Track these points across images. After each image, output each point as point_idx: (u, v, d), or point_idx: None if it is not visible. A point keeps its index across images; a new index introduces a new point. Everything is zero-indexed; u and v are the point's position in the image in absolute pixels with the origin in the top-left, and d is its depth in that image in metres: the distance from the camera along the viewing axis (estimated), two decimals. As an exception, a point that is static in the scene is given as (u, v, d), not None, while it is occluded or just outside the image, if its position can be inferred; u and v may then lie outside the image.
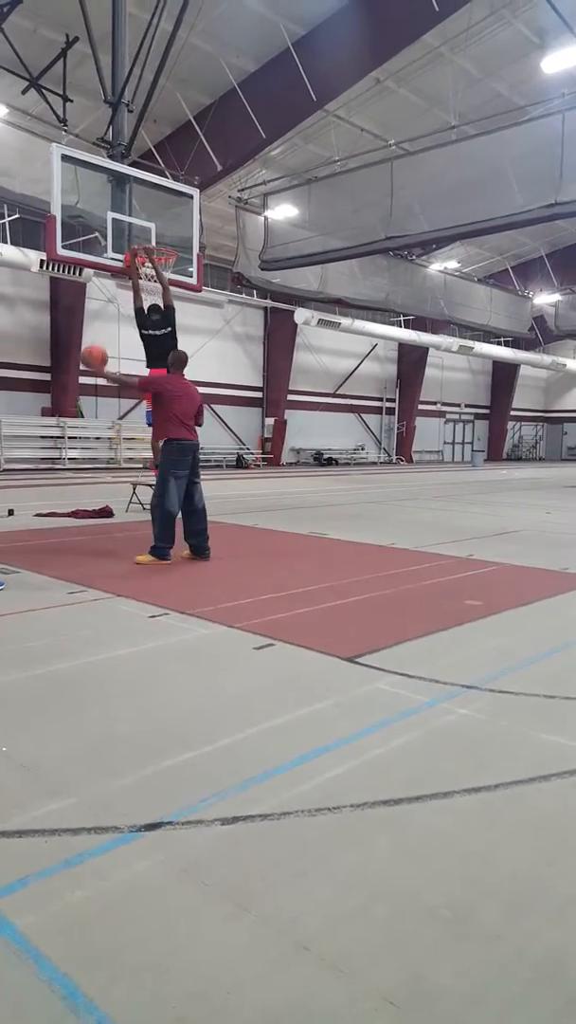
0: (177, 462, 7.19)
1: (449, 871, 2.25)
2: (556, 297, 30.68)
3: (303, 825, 2.48)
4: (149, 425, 7.83)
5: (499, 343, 35.30)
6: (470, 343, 32.57)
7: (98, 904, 2.06)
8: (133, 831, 2.42)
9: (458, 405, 39.16)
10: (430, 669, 4.04)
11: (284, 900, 2.09)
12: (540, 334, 33.07)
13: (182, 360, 7.55)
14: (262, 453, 29.01)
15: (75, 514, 10.76)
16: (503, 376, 39.98)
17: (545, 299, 31.21)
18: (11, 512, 10.64)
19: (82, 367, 7.54)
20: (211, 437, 26.70)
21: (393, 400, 34.95)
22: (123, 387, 7.13)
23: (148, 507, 11.20)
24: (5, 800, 2.62)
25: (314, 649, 4.39)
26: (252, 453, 28.49)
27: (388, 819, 2.54)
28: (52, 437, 22.21)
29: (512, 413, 41.16)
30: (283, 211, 19.51)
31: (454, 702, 3.59)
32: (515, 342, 35.51)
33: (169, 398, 7.23)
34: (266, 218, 19.69)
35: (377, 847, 2.37)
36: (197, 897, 2.10)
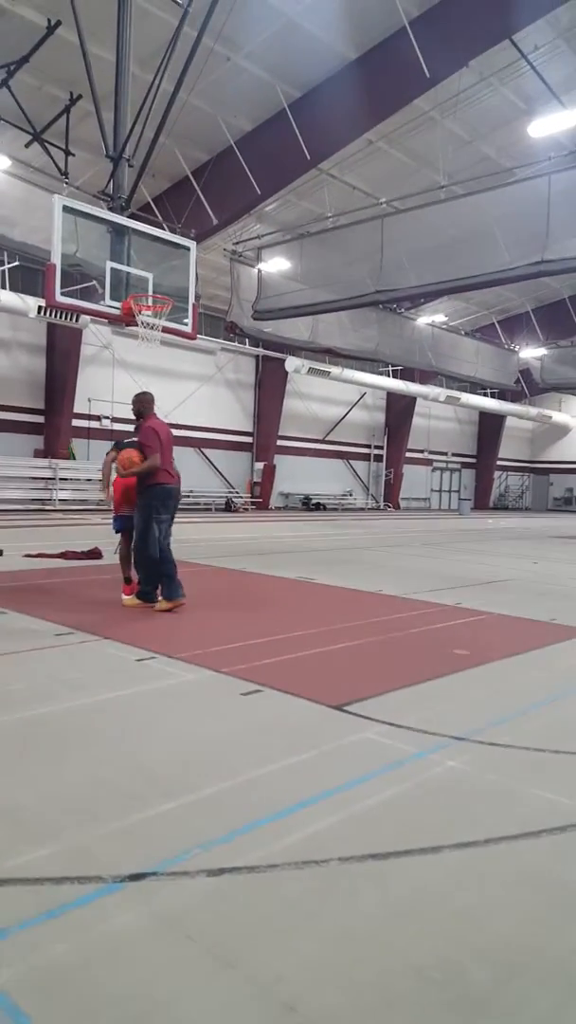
0: (161, 507, 7.05)
1: (438, 929, 2.21)
2: (542, 351, 31.31)
3: (289, 878, 2.44)
4: (117, 532, 7.44)
5: (486, 394, 35.86)
6: (457, 394, 33.14)
7: (80, 957, 2.01)
8: (116, 881, 2.37)
9: (445, 454, 39.58)
10: (418, 719, 4.02)
11: (270, 956, 2.05)
12: (526, 386, 33.63)
13: (152, 400, 7.35)
14: (251, 497, 29.11)
15: (64, 555, 10.72)
16: (490, 426, 40.53)
17: (531, 352, 31.81)
18: (0, 552, 10.59)
19: (119, 472, 7.28)
20: (200, 480, 26.80)
21: (381, 447, 35.28)
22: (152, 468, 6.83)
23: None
24: (-14, 849, 2.57)
25: (301, 696, 4.37)
26: (241, 497, 28.58)
27: (376, 874, 2.50)
28: (43, 478, 22.27)
29: (498, 463, 41.62)
30: (276, 264, 19.93)
31: (443, 754, 3.57)
32: (501, 393, 36.11)
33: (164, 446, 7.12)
34: (259, 270, 20.10)
35: (365, 903, 2.33)
36: (181, 952, 2.06)
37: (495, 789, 3.22)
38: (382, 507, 34.67)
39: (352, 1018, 1.84)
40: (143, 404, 7.31)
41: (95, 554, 10.87)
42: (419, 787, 3.19)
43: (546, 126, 16.34)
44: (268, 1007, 1.86)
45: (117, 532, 7.52)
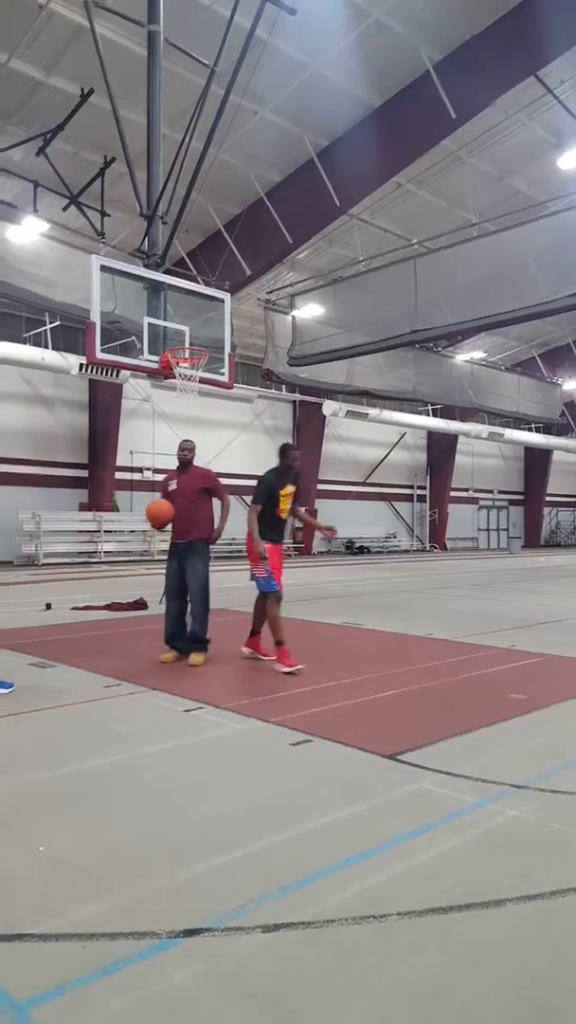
0: None
1: (504, 985, 2.12)
2: (585, 383, 30.94)
3: (347, 934, 2.37)
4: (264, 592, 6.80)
5: (530, 429, 35.45)
6: (500, 430, 32.73)
7: (138, 1016, 1.98)
8: (171, 937, 2.33)
9: (491, 491, 39.08)
10: (476, 767, 3.90)
11: (330, 1013, 1.99)
12: (572, 419, 33.18)
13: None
14: (293, 543, 29.08)
15: (110, 607, 10.80)
16: (536, 461, 39.91)
17: (575, 384, 31.44)
18: (48, 606, 10.71)
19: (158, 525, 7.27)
20: (242, 528, 26.80)
21: (424, 487, 35.01)
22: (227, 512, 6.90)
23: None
24: (40, 902, 2.56)
25: (353, 745, 4.28)
26: (283, 543, 28.55)
27: (437, 929, 2.41)
28: (89, 531, 22.58)
29: (548, 498, 40.90)
30: (310, 310, 20.19)
31: (503, 803, 3.45)
32: (546, 428, 35.63)
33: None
34: (293, 317, 20.38)
35: (426, 959, 2.25)
36: (240, 1009, 2.01)
37: (560, 838, 3.09)
38: (427, 548, 34.27)
39: None
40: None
41: (140, 605, 10.93)
42: (479, 838, 3.08)
43: (576, 158, 16.41)
44: (330, 1072, 1.78)
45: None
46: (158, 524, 6.98)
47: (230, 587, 10.35)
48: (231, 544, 21.87)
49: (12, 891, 2.64)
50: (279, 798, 3.52)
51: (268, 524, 6.69)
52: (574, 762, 4.05)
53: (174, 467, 7.25)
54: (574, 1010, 2.03)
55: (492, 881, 2.70)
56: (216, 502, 7.03)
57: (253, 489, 6.77)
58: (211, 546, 7.05)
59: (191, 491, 6.92)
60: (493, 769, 3.88)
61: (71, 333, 20.38)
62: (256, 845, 3.00)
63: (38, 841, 3.01)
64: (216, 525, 7.03)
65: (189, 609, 6.97)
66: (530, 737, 4.55)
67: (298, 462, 6.96)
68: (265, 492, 6.64)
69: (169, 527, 6.99)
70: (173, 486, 7.03)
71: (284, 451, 6.84)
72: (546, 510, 41.20)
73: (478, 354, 28.75)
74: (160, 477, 24.63)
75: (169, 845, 3.00)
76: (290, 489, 6.77)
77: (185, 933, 2.35)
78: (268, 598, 6.68)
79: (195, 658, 6.74)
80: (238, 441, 26.92)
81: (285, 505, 6.76)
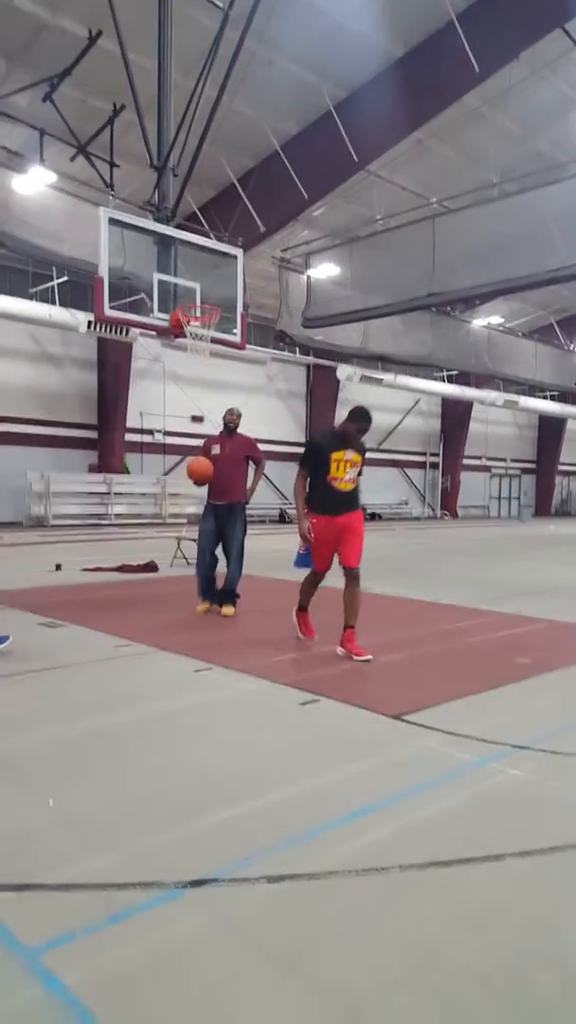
0: None
1: (504, 938, 2.16)
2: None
3: (351, 886, 2.42)
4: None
5: (545, 397, 35.09)
6: (515, 397, 32.41)
7: (144, 962, 2.03)
8: (179, 887, 2.38)
9: (504, 460, 38.85)
10: (479, 728, 3.93)
11: (332, 963, 2.03)
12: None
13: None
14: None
15: (121, 569, 10.87)
16: (550, 430, 39.60)
17: (591, 353, 31.06)
18: (59, 567, 10.78)
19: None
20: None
21: (437, 455, 34.84)
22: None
23: (192, 562, 11.29)
24: (52, 853, 2.61)
25: (360, 706, 4.32)
26: (294, 509, 28.49)
27: (438, 882, 2.46)
28: (99, 493, 22.58)
29: (560, 467, 40.65)
30: (325, 270, 19.89)
31: (504, 762, 3.48)
32: (562, 396, 35.28)
33: None
34: (308, 277, 20.09)
35: (428, 911, 2.29)
36: (244, 957, 2.05)
37: (559, 797, 3.13)
38: (439, 516, 34.22)
39: (417, 1027, 1.79)
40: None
41: (151, 567, 10.99)
42: (480, 796, 3.12)
43: (600, 119, 16.01)
44: (331, 1013, 1.85)
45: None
46: (199, 481, 7.25)
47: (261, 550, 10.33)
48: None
49: (24, 844, 2.69)
50: (286, 755, 3.57)
51: (318, 494, 5.81)
52: (574, 724, 4.08)
53: (217, 431, 7.54)
54: (568, 958, 2.07)
55: (492, 837, 2.74)
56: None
57: None
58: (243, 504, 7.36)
59: (236, 458, 7.29)
60: (495, 730, 3.91)
61: (79, 289, 20.11)
62: (263, 800, 3.04)
63: (50, 796, 3.07)
64: (249, 486, 7.39)
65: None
66: (533, 700, 4.58)
67: (361, 433, 5.84)
68: (309, 454, 5.84)
69: (204, 487, 7.36)
70: (216, 450, 7.32)
71: (351, 413, 5.82)
72: (558, 479, 40.98)
73: (495, 319, 28.36)
74: (171, 440, 24.78)
75: (178, 800, 3.05)
76: (349, 455, 5.75)
77: (192, 884, 2.40)
78: (306, 576, 6.11)
79: (227, 609, 7.27)
80: (250, 405, 26.74)
81: (341, 473, 5.73)
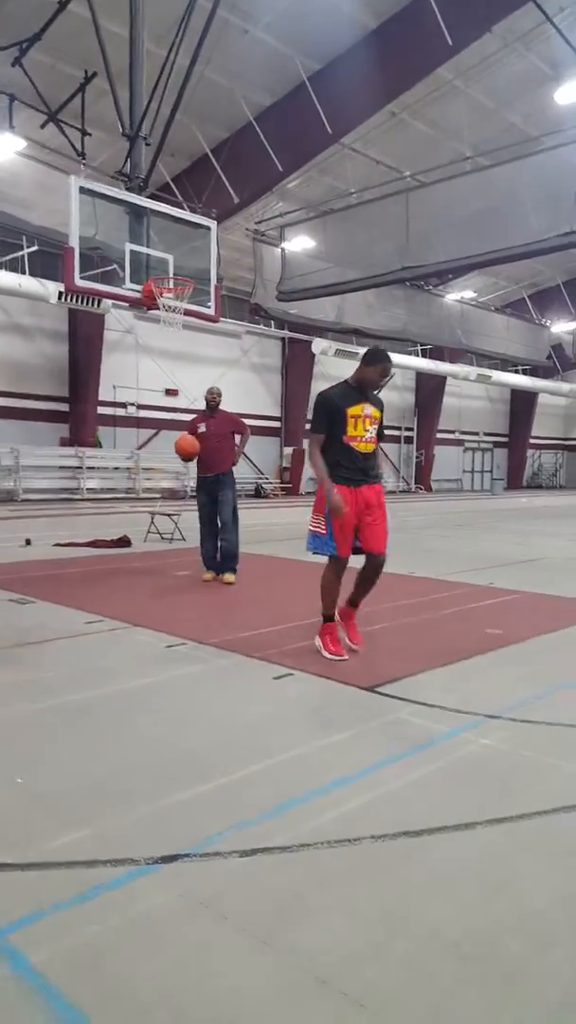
0: None
1: (472, 904, 2.19)
2: (574, 325, 30.69)
3: (322, 858, 2.42)
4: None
5: (517, 371, 35.28)
6: (488, 372, 32.58)
7: (113, 938, 2.02)
8: (150, 863, 2.37)
9: (476, 433, 39.08)
10: (452, 699, 3.97)
11: (304, 934, 2.04)
12: (558, 362, 33.03)
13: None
14: (280, 483, 29.05)
15: (93, 544, 10.77)
16: (522, 404, 39.89)
17: (563, 327, 31.21)
18: (29, 542, 10.67)
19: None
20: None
21: (411, 429, 34.94)
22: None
23: (166, 537, 11.25)
24: (20, 832, 2.58)
25: (333, 679, 4.33)
26: (271, 483, 28.51)
27: (409, 851, 2.47)
28: (71, 467, 22.33)
29: (531, 441, 41.01)
30: (300, 243, 19.72)
31: (476, 732, 3.51)
32: (533, 370, 35.51)
33: None
34: (283, 250, 19.91)
35: (398, 880, 2.31)
36: (215, 931, 2.05)
37: (530, 765, 3.17)
38: (413, 489, 34.40)
39: (387, 992, 1.82)
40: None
41: (124, 542, 10.90)
42: (452, 765, 3.15)
43: (573, 92, 15.92)
44: (303, 983, 1.85)
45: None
46: (186, 457, 7.72)
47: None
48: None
49: (-8, 820, 2.67)
50: (259, 729, 3.57)
51: (336, 460, 4.80)
52: (546, 693, 4.13)
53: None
54: (536, 924, 2.10)
55: (463, 806, 2.77)
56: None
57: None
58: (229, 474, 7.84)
59: (220, 434, 7.78)
60: (468, 700, 3.94)
61: (50, 259, 19.69)
62: (235, 774, 3.04)
63: (17, 774, 3.04)
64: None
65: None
66: (504, 670, 4.62)
67: (384, 376, 5.01)
68: (323, 412, 4.79)
69: (193, 463, 7.90)
70: (202, 428, 7.78)
71: (367, 355, 5.03)
72: (530, 452, 41.34)
73: (468, 294, 28.36)
74: (144, 414, 24.54)
75: (148, 776, 3.04)
76: (368, 410, 4.87)
77: (163, 859, 2.39)
78: (326, 565, 4.97)
79: (228, 577, 7.68)
80: (225, 378, 26.55)
81: (359, 431, 4.80)
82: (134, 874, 2.31)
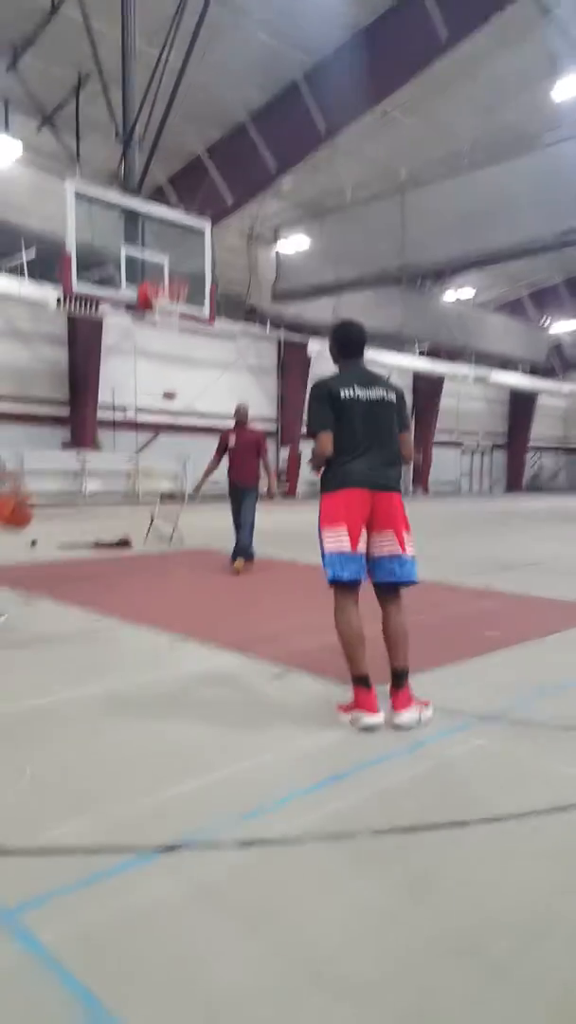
0: None
1: (464, 901, 2.22)
2: (573, 325, 30.60)
3: (318, 851, 2.47)
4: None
5: (516, 372, 35.21)
6: (486, 372, 32.50)
7: (117, 922, 2.08)
8: (151, 852, 2.43)
9: (475, 435, 38.95)
10: (445, 699, 3.99)
11: (298, 925, 2.09)
12: (558, 362, 32.93)
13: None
14: (279, 482, 29.05)
15: (95, 545, 10.83)
16: (521, 405, 39.65)
17: (562, 327, 31.13)
18: (34, 543, 10.70)
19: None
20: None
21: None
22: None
23: (166, 538, 11.32)
24: (26, 820, 2.65)
25: (329, 678, 4.36)
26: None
27: (403, 847, 2.52)
28: (72, 471, 22.40)
29: (531, 443, 40.85)
30: (295, 243, 19.71)
31: (470, 732, 3.55)
32: (532, 370, 35.38)
33: None
34: (278, 253, 19.89)
35: (393, 875, 2.35)
36: (214, 919, 2.10)
37: (523, 766, 3.20)
38: (411, 492, 34.34)
39: (378, 985, 1.86)
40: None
41: (125, 543, 10.95)
42: (446, 765, 3.19)
43: (570, 88, 15.90)
44: (296, 972, 1.90)
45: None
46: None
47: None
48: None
49: (0, 811, 2.73)
50: (257, 726, 3.61)
51: (344, 456, 3.75)
52: (542, 695, 4.17)
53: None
54: (526, 922, 2.13)
55: (456, 805, 2.81)
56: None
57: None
58: (270, 494, 8.74)
59: (247, 446, 8.55)
60: (463, 701, 3.98)
61: (48, 265, 19.73)
62: (234, 768, 3.09)
63: (24, 765, 3.10)
64: (263, 481, 8.65)
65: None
66: (501, 672, 4.65)
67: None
68: (315, 408, 3.80)
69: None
70: (232, 441, 8.60)
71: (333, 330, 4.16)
72: (529, 454, 41.20)
73: (466, 293, 28.32)
74: (142, 418, 24.53)
75: (150, 769, 3.09)
76: (377, 394, 3.82)
77: (164, 849, 2.44)
78: (336, 607, 3.87)
79: (237, 564, 8.37)
80: (221, 381, 26.59)
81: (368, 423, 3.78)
82: (136, 862, 2.37)
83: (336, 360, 4.05)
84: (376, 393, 3.82)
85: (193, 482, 24.70)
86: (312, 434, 3.77)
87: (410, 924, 2.10)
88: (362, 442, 3.75)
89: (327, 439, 3.71)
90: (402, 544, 3.87)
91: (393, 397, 3.89)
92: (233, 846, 2.47)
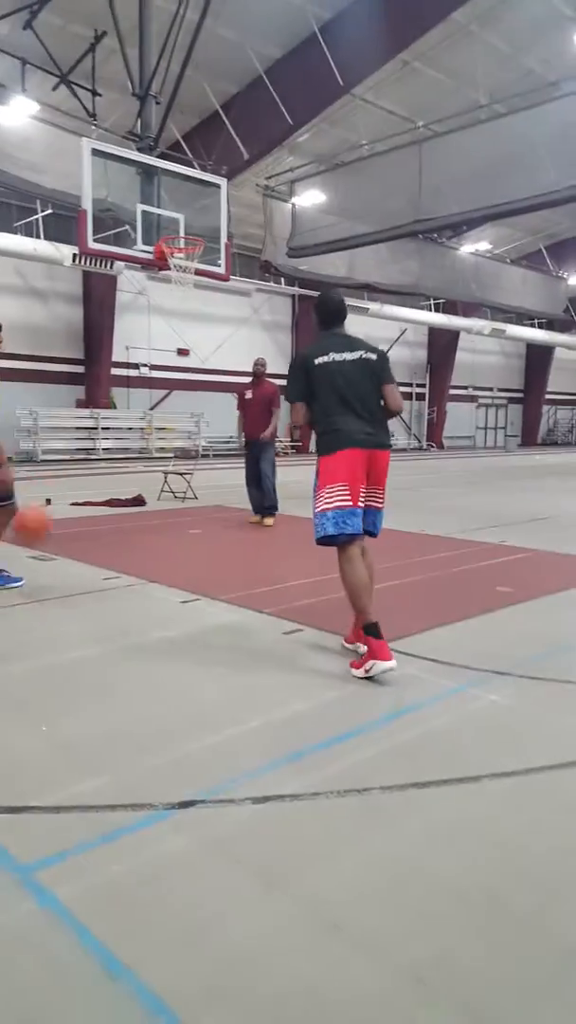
0: None
1: (480, 855, 2.27)
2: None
3: (332, 806, 2.53)
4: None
5: (533, 325, 34.71)
6: (502, 326, 32.03)
7: (134, 878, 2.13)
8: (167, 808, 2.49)
9: (490, 389, 38.58)
10: (461, 655, 4.05)
11: (315, 878, 2.14)
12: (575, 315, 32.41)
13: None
14: (291, 441, 28.98)
15: (109, 503, 10.91)
16: (537, 359, 39.23)
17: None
18: (48, 502, 10.78)
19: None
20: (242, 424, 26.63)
21: (423, 385, 34.60)
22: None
23: (179, 496, 11.38)
24: (44, 777, 2.71)
25: (343, 635, 4.42)
26: (281, 441, 28.43)
27: (417, 802, 2.57)
28: (86, 428, 22.46)
29: (547, 397, 40.45)
30: (310, 197, 19.37)
31: (485, 688, 3.60)
32: (549, 324, 34.86)
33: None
34: (293, 205, 19.57)
35: (406, 829, 2.40)
36: (230, 874, 2.16)
37: (537, 721, 3.25)
38: (425, 447, 34.18)
39: (394, 938, 1.91)
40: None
41: (139, 501, 11.03)
42: (460, 720, 3.24)
43: (593, 35, 15.39)
44: (312, 926, 1.95)
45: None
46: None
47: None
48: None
49: (19, 768, 2.80)
50: (271, 683, 3.67)
51: (332, 418, 3.96)
52: (556, 651, 4.21)
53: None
54: (542, 876, 2.18)
55: (470, 759, 2.86)
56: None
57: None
58: (268, 440, 8.82)
59: (262, 400, 8.72)
60: (477, 657, 4.02)
61: (63, 222, 19.55)
62: (248, 725, 3.15)
63: (42, 724, 3.17)
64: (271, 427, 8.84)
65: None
66: (514, 627, 4.70)
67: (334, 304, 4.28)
68: (291, 379, 4.11)
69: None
70: (249, 395, 8.82)
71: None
72: (544, 408, 40.80)
73: (483, 245, 27.76)
74: (156, 375, 24.47)
75: (166, 726, 3.16)
76: (355, 355, 4.01)
77: (180, 805, 2.50)
78: (340, 559, 4.00)
79: (268, 520, 8.80)
80: (236, 336, 26.40)
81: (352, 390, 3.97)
82: (153, 818, 2.43)
83: (319, 331, 4.30)
84: (354, 355, 4.04)
85: (207, 439, 24.90)
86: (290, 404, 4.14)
87: (426, 878, 2.14)
88: (346, 401, 3.98)
89: (299, 409, 4.10)
90: (383, 499, 4.30)
91: (373, 356, 4.09)
92: (248, 801, 2.52)
